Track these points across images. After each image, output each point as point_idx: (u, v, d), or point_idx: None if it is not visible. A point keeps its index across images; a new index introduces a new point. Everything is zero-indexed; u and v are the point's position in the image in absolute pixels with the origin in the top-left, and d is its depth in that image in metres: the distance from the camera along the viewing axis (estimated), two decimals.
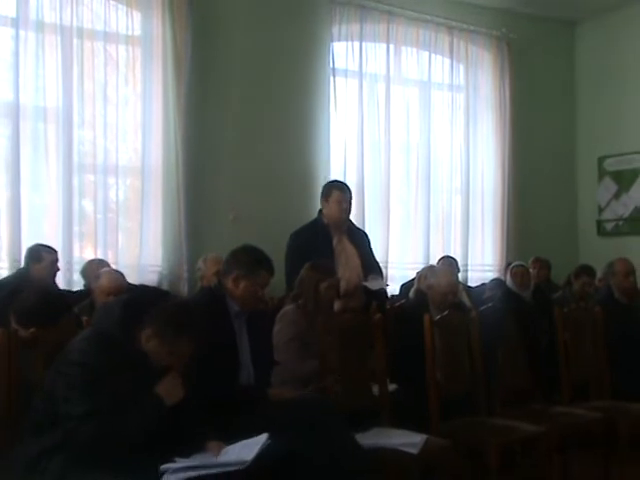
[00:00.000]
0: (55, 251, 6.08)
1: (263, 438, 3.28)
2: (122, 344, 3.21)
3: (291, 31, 7.88)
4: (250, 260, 4.19)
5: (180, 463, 3.12)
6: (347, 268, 5.93)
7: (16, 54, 6.45)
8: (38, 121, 6.60)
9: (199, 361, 3.54)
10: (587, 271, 7.80)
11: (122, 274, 5.38)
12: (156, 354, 3.25)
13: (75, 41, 6.66)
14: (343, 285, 5.58)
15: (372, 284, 6.08)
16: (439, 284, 5.43)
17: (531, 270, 7.71)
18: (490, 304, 6.15)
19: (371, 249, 6.48)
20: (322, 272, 5.10)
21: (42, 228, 6.64)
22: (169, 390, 3.22)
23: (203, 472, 3.11)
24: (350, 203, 6.28)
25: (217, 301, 4.15)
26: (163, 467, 3.08)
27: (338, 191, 6.20)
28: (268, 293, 4.95)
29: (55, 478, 2.97)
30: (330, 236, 6.11)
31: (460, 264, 8.24)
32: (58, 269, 6.08)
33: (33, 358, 3.54)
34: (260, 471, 3.29)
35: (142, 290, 4.01)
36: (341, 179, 7.34)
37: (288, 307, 4.98)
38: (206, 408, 3.45)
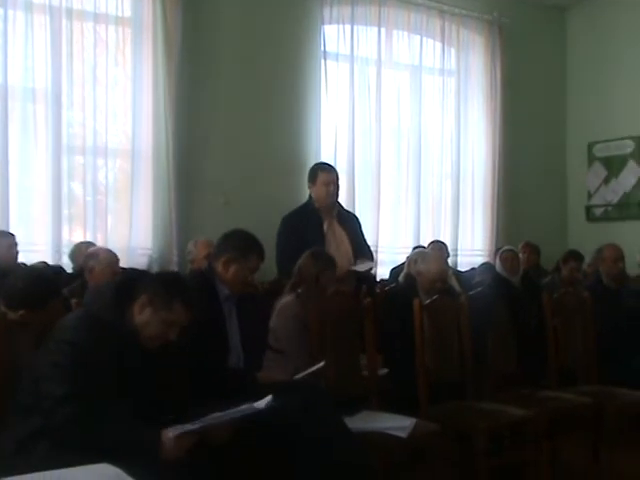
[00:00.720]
0: (11, 234, 5.99)
1: (267, 398, 3.23)
2: (113, 327, 3.19)
3: (282, 13, 7.85)
4: (242, 244, 4.18)
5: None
6: (337, 253, 5.92)
7: (5, 34, 6.41)
8: (27, 102, 6.57)
9: (189, 343, 3.55)
10: (575, 256, 7.83)
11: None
12: (150, 326, 3.22)
13: (64, 22, 6.60)
14: None
15: (360, 266, 6.09)
16: (428, 271, 5.42)
17: (521, 255, 7.72)
18: (479, 289, 6.17)
19: (362, 232, 6.47)
20: (324, 262, 5.06)
21: (31, 210, 6.62)
22: (173, 446, 3.01)
23: (212, 422, 3.06)
24: (337, 184, 6.26)
25: (207, 284, 4.15)
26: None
27: (324, 172, 6.19)
28: (258, 277, 4.94)
29: (41, 461, 2.89)
30: (321, 220, 6.11)
31: (450, 249, 8.26)
32: (17, 252, 5.96)
33: (22, 341, 3.53)
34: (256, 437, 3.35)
35: (133, 273, 4.00)
36: (331, 163, 7.33)
37: (288, 298, 4.90)
38: (196, 391, 3.44)
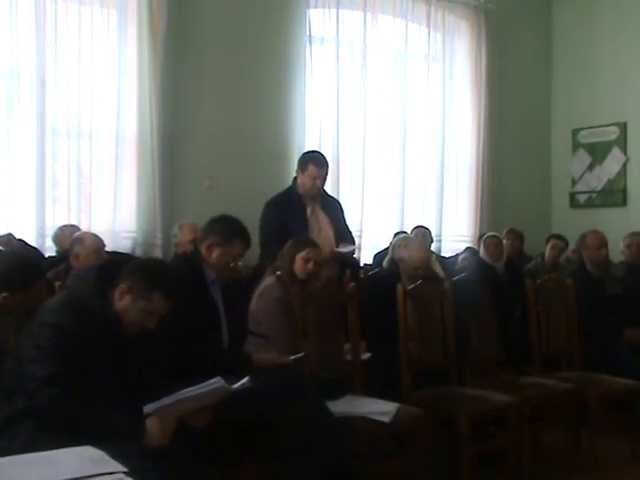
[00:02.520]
0: None
1: (244, 380, 3.28)
2: (95, 309, 3.19)
3: None
4: (226, 230, 4.20)
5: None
6: (320, 238, 5.91)
7: None
8: (11, 84, 6.51)
9: (184, 325, 3.64)
10: (557, 236, 7.92)
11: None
12: (129, 313, 3.23)
13: (49, 3, 6.55)
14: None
15: (343, 248, 6.08)
16: (411, 257, 5.43)
17: (504, 241, 7.76)
18: (463, 275, 6.18)
19: (344, 218, 6.46)
20: (301, 243, 5.04)
21: (14, 193, 6.57)
22: (157, 431, 3.07)
23: (185, 396, 3.10)
24: (325, 178, 6.24)
25: (193, 268, 4.16)
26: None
27: (315, 167, 6.14)
28: (243, 263, 4.93)
29: (24, 443, 2.93)
30: (304, 206, 6.08)
31: (434, 234, 8.29)
32: None
33: (5, 324, 3.53)
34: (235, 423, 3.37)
35: (116, 256, 4.00)
36: (316, 148, 7.31)
37: (269, 281, 4.90)
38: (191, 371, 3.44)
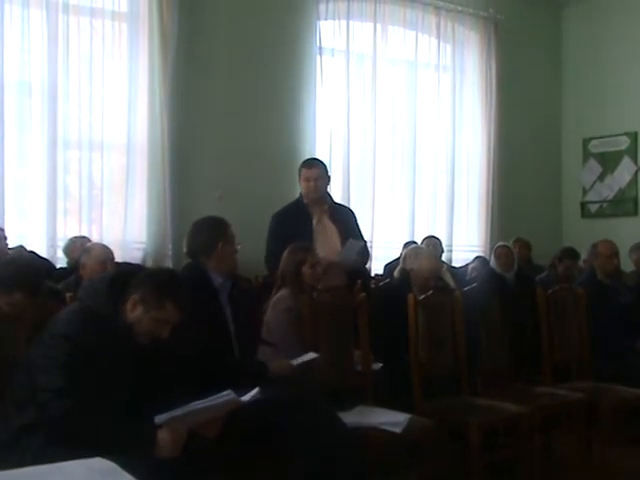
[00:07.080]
0: (1, 229, 6.03)
1: (254, 391, 3.27)
2: (107, 320, 3.19)
3: (277, 8, 7.84)
4: (217, 227, 4.33)
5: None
6: (324, 248, 5.88)
7: (1, 28, 6.40)
8: (23, 96, 6.56)
9: (193, 331, 3.64)
10: (569, 255, 7.83)
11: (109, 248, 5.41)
12: (142, 323, 3.22)
13: (61, 16, 6.60)
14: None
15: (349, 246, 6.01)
16: (420, 268, 5.42)
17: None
18: (474, 285, 6.17)
19: (357, 225, 6.40)
20: (300, 254, 5.02)
21: (26, 204, 6.62)
22: (169, 442, 3.04)
23: (196, 408, 3.07)
24: (321, 179, 6.14)
25: (201, 275, 4.18)
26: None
27: (304, 168, 6.10)
28: (254, 273, 4.94)
29: (35, 455, 2.91)
30: (310, 216, 6.03)
31: (445, 244, 8.28)
32: (7, 245, 5.95)
33: (14, 333, 3.53)
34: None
35: (128, 267, 4.01)
36: (327, 158, 7.32)
37: (283, 292, 4.87)
38: (204, 381, 3.45)
